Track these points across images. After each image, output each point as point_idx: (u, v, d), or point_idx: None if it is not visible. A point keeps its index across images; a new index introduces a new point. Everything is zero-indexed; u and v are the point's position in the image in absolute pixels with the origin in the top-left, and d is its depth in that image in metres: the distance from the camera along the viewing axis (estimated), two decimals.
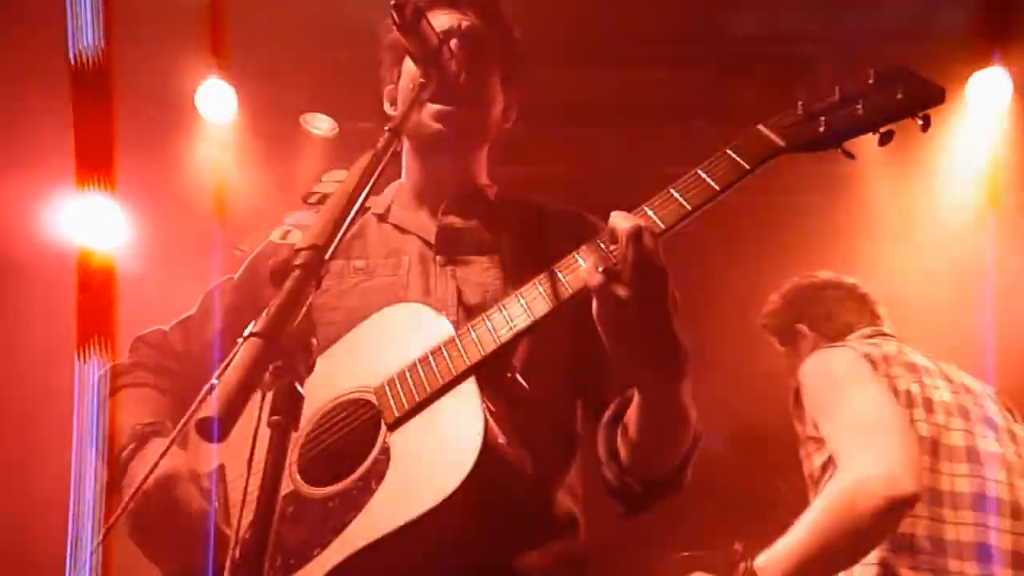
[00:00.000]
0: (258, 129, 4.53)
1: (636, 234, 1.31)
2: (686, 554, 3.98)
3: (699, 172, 1.39)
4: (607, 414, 1.61)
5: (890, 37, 3.97)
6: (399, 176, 1.89)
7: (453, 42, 1.65)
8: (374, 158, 1.30)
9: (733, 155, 1.38)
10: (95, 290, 4.21)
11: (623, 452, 1.56)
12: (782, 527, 2.15)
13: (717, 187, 1.37)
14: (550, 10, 3.39)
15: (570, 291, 1.43)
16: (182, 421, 1.08)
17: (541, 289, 1.46)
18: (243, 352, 0.99)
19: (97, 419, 1.74)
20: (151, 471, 1.15)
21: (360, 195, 1.23)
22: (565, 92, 4.26)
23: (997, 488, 2.34)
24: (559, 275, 1.45)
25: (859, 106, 1.32)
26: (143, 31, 3.89)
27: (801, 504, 2.42)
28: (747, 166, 1.37)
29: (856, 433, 2.29)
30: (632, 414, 1.51)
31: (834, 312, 2.94)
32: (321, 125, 4.59)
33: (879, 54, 3.86)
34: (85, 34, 3.67)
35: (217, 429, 0.92)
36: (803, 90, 1.40)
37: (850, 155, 1.35)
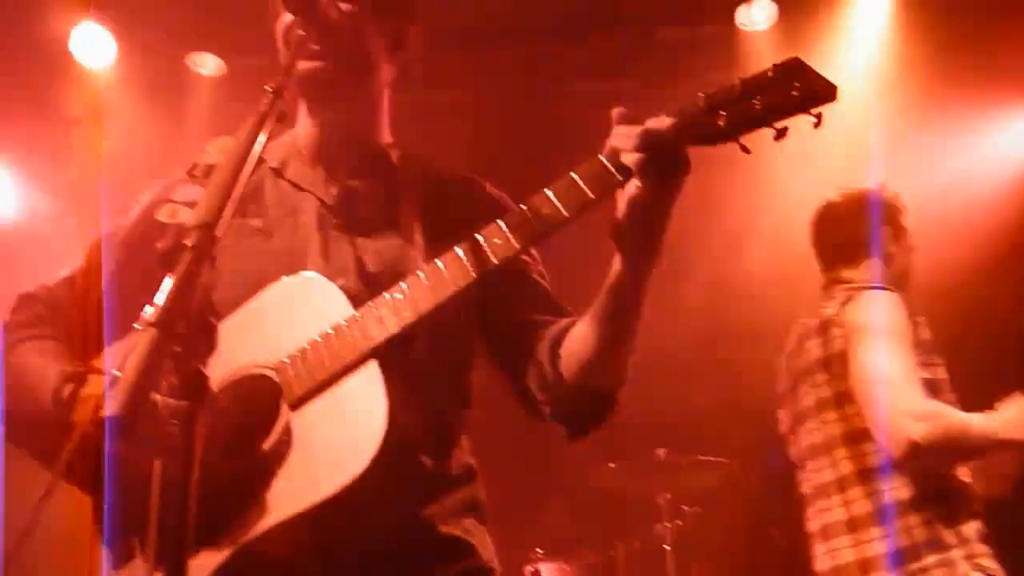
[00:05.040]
0: (141, 73, 4.33)
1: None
2: (612, 465, 4.12)
3: (603, 159, 1.41)
4: (543, 344, 1.63)
5: None
6: (294, 125, 1.83)
7: None
8: (257, 122, 1.26)
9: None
10: None
11: (570, 369, 1.58)
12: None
13: (620, 177, 1.40)
14: None
15: (495, 261, 1.44)
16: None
17: (445, 268, 1.47)
18: (140, 345, 0.97)
19: None
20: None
21: (246, 164, 1.20)
22: (459, 14, 4.18)
23: None
24: (483, 245, 1.45)
25: (757, 100, 1.35)
26: None
27: (795, 556, 2.51)
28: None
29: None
30: (588, 324, 1.54)
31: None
32: (207, 65, 4.42)
33: None
34: None
35: (121, 427, 0.91)
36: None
37: (746, 150, 1.38)
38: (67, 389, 1.58)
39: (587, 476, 4.22)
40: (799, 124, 1.33)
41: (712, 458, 4.12)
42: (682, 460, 4.06)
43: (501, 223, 1.46)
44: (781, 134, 1.35)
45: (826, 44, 4.39)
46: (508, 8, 4.36)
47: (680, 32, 4.42)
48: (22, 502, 1.61)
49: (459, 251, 1.47)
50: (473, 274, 1.45)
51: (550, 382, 1.61)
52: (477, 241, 1.46)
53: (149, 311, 1.00)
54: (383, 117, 1.83)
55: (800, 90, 1.33)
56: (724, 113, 1.36)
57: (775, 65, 1.36)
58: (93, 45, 4.20)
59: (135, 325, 1.01)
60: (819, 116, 1.33)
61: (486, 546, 1.66)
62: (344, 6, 1.65)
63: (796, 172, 4.00)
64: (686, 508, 4.21)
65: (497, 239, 1.46)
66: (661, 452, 4.04)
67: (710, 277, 4.52)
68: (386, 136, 1.83)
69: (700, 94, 1.38)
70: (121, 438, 0.91)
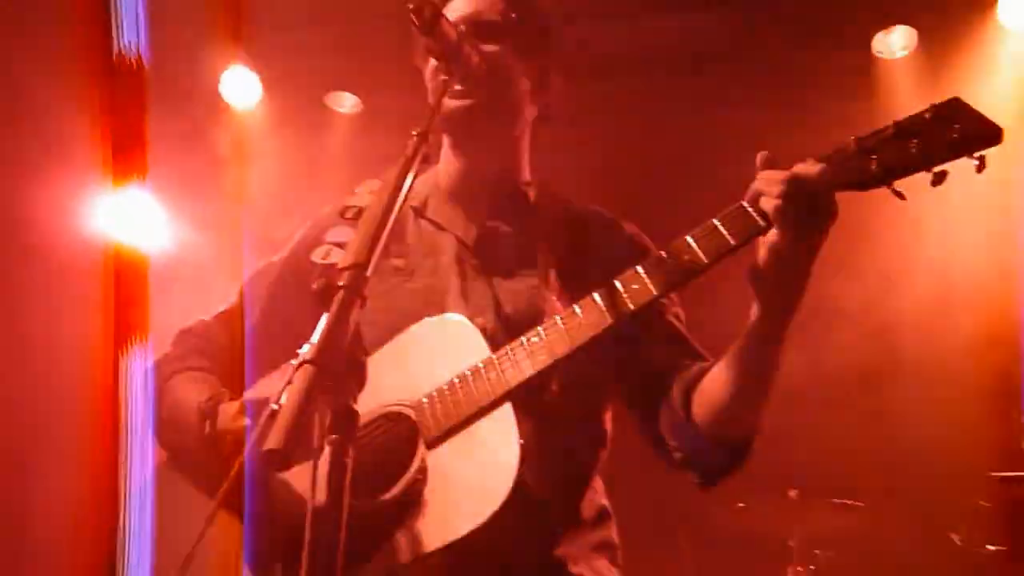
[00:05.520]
0: (284, 112, 4.54)
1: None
2: (741, 505, 4.01)
3: (745, 205, 1.39)
4: (676, 388, 1.61)
5: None
6: (437, 163, 1.87)
7: (463, 28, 1.64)
8: (405, 165, 1.31)
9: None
10: (131, 284, 4.28)
11: (703, 416, 1.56)
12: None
13: (763, 224, 1.38)
14: None
15: (631, 308, 1.44)
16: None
17: (582, 313, 1.48)
18: (298, 380, 1.01)
19: (153, 406, 1.81)
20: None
21: (395, 206, 1.24)
22: (587, 45, 4.20)
23: None
24: (621, 290, 1.46)
25: (913, 144, 1.29)
26: (166, 21, 3.90)
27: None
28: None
29: None
30: (723, 371, 1.51)
31: None
32: (345, 103, 4.60)
33: None
34: (129, 31, 3.69)
35: (281, 460, 0.95)
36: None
37: (900, 195, 1.32)
38: (207, 425, 1.66)
39: (715, 515, 4.12)
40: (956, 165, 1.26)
41: (847, 501, 3.96)
42: (815, 502, 3.92)
43: (640, 269, 1.46)
44: (939, 178, 1.28)
45: (969, 72, 4.20)
46: (637, 38, 4.36)
47: (814, 59, 4.32)
48: (177, 521, 1.69)
49: (596, 296, 1.48)
50: (610, 320, 1.45)
51: (682, 427, 1.59)
52: (615, 287, 1.47)
53: (305, 348, 1.05)
54: (524, 156, 1.86)
55: (961, 132, 1.26)
56: (876, 157, 1.31)
57: (933, 106, 1.29)
58: (241, 87, 4.43)
59: (291, 361, 1.06)
60: (982, 159, 1.26)
61: None
62: (489, 48, 1.70)
63: (947, 209, 3.82)
64: (818, 552, 4.05)
65: (635, 284, 1.45)
66: (793, 493, 3.91)
67: (860, 316, 4.36)
68: (525, 174, 1.87)
69: (851, 137, 1.34)
70: (278, 470, 0.96)
